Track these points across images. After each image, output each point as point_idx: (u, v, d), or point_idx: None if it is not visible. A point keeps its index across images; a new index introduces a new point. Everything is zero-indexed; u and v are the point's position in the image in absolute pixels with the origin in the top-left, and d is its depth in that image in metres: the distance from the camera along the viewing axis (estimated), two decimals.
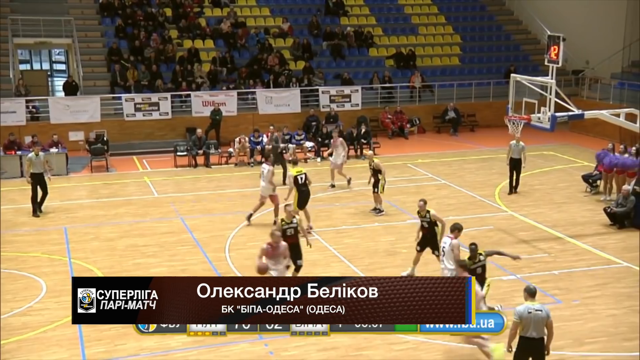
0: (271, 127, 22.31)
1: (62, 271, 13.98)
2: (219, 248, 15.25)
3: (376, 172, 17.16)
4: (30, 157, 17.63)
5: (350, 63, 29.81)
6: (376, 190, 17.26)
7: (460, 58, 31.28)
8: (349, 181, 19.92)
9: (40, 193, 17.62)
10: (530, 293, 9.18)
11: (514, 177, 19.14)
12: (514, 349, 9.20)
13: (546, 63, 15.79)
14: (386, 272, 13.81)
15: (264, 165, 16.88)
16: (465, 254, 11.47)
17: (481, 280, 11.07)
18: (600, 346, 10.99)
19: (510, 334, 9.04)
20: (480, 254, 11.32)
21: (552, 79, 15.38)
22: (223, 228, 16.55)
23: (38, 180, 17.55)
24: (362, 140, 24.37)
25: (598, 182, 19.24)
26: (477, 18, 33.79)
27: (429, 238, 13.31)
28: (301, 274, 13.22)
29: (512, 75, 16.91)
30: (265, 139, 23.27)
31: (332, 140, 20.60)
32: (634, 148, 18.82)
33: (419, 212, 13.32)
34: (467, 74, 30.37)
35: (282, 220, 12.83)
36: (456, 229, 11.84)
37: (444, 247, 11.83)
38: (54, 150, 21.74)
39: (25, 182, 18.18)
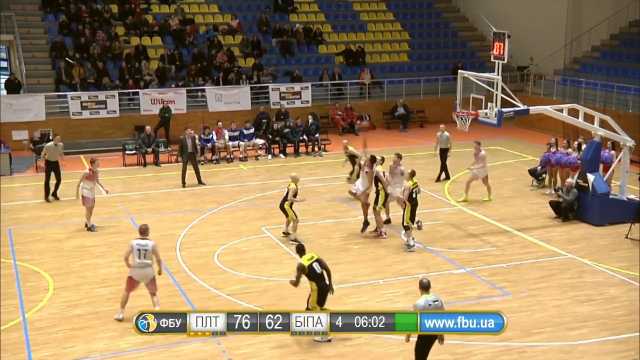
0: (189, 130, 20.31)
1: (6, 274, 13.61)
2: (169, 247, 15.07)
3: (376, 180, 15.34)
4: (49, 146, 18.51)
5: (300, 60, 29.80)
6: (375, 206, 15.49)
7: (408, 55, 31.61)
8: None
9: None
10: (424, 287, 9.26)
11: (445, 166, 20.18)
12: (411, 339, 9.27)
13: (492, 59, 16.06)
14: (338, 269, 13.88)
15: None
16: None
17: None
18: (546, 336, 11.26)
19: None
20: None
21: (498, 75, 15.65)
22: (173, 227, 16.37)
23: (52, 168, 18.40)
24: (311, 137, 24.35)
25: (543, 176, 19.73)
26: (425, 15, 34.21)
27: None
28: (256, 270, 13.24)
29: (459, 71, 17.11)
30: (215, 137, 23.12)
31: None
32: (576, 143, 19.35)
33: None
34: (416, 70, 30.71)
35: None
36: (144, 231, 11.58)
37: (146, 248, 11.39)
38: None
39: None
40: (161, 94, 25.47)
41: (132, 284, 11.53)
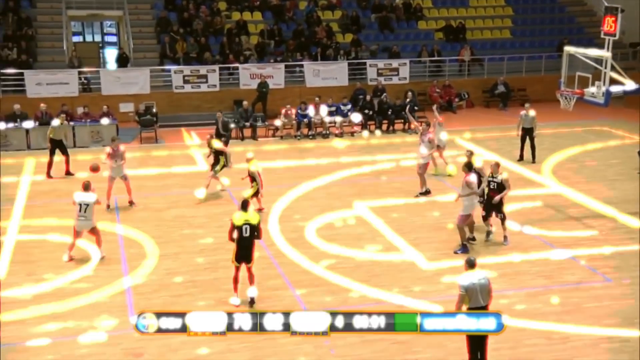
0: (218, 114, 21.14)
1: (112, 240, 14.28)
2: (264, 220, 15.29)
3: (500, 187, 13.88)
4: (54, 124, 18.73)
5: (399, 36, 29.44)
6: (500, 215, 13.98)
7: (511, 31, 30.60)
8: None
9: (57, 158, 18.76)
10: (471, 264, 9.22)
11: (531, 147, 19.64)
12: None
13: (602, 36, 15.30)
14: (432, 247, 13.77)
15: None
16: None
17: None
18: None
19: (457, 307, 8.98)
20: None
21: (608, 52, 14.90)
22: (269, 201, 16.62)
23: (57, 146, 18.67)
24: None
25: None
26: None
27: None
28: (350, 246, 13.31)
29: (565, 48, 16.42)
30: (312, 112, 23.25)
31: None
32: None
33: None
34: (519, 47, 29.72)
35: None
36: None
37: (87, 202, 13.03)
38: (104, 121, 22.13)
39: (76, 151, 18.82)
40: (260, 69, 25.82)
41: (76, 232, 13.23)
